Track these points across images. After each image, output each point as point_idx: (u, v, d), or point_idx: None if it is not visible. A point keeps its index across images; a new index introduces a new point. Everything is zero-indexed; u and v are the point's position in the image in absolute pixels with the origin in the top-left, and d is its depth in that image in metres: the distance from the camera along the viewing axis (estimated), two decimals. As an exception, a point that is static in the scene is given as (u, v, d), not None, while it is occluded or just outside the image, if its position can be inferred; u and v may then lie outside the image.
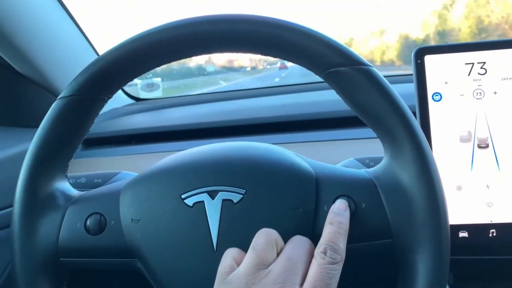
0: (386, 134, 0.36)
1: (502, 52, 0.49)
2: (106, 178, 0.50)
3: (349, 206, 0.35)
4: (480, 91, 0.49)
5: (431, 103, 0.49)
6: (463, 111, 0.49)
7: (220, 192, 0.36)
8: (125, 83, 0.40)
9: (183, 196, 0.37)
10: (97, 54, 0.81)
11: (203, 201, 0.36)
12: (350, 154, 0.62)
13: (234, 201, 0.36)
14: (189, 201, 0.36)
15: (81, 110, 0.39)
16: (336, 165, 0.49)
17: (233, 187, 0.36)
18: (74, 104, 0.38)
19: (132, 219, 0.37)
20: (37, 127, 0.74)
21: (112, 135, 0.76)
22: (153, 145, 0.73)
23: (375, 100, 0.35)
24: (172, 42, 0.37)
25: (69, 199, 0.40)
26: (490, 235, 0.48)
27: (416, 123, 0.35)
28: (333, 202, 0.36)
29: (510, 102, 0.48)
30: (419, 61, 0.50)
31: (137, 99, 0.95)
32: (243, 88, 0.94)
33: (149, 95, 0.97)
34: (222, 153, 0.39)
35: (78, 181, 0.50)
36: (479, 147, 0.48)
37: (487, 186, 0.48)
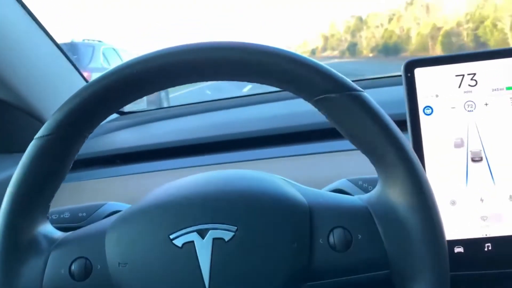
0: (379, 161, 0.35)
1: (492, 63, 0.48)
2: (91, 211, 0.48)
3: (345, 237, 0.34)
4: (471, 103, 0.48)
5: (422, 117, 0.48)
6: (455, 124, 0.48)
7: (210, 231, 0.35)
8: (106, 116, 0.39)
9: (171, 237, 0.35)
10: (81, 75, 0.79)
11: (192, 241, 0.35)
12: (338, 168, 0.61)
13: (226, 239, 0.34)
14: (178, 242, 0.35)
15: (60, 149, 0.37)
16: (328, 188, 0.48)
17: (224, 224, 0.35)
18: (53, 143, 0.36)
19: (119, 262, 0.35)
20: (20, 151, 0.71)
21: (95, 156, 0.74)
22: (139, 165, 0.71)
23: (367, 126, 0.34)
24: (155, 71, 0.35)
25: (52, 242, 0.38)
26: (486, 249, 0.47)
27: (410, 149, 0.34)
28: (329, 234, 0.34)
29: (502, 113, 0.48)
30: (409, 74, 0.49)
31: (121, 113, 0.93)
32: (229, 96, 0.92)
33: (134, 107, 0.94)
34: (210, 187, 0.38)
35: (62, 216, 0.48)
36: (473, 160, 0.47)
37: (481, 200, 0.47)
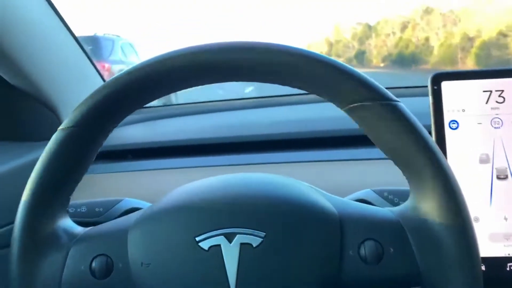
0: (414, 175, 0.34)
1: (521, 80, 0.48)
2: (108, 207, 0.47)
3: (376, 250, 0.33)
4: (498, 120, 0.47)
5: (447, 131, 0.48)
6: (481, 140, 0.47)
7: (238, 235, 0.34)
8: (131, 111, 0.38)
9: (197, 239, 0.34)
10: (94, 66, 0.78)
11: (219, 245, 0.34)
12: (360, 177, 0.60)
13: (254, 245, 0.34)
14: (204, 244, 0.34)
15: (84, 142, 0.36)
16: (351, 197, 0.47)
17: (252, 230, 0.34)
18: (77, 135, 0.36)
19: (142, 262, 0.34)
20: (32, 140, 0.69)
21: (107, 149, 0.73)
22: (152, 161, 0.70)
23: (403, 138, 0.33)
24: (188, 69, 0.34)
25: (72, 237, 0.37)
26: (508, 268, 0.46)
27: (447, 165, 0.33)
28: (359, 246, 0.34)
29: (529, 132, 0.47)
30: (435, 87, 0.48)
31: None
32: (245, 97, 0.91)
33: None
34: (239, 190, 0.37)
35: (78, 210, 0.47)
36: (498, 178, 0.47)
37: (505, 218, 0.47)
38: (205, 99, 0.90)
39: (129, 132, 0.77)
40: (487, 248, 0.46)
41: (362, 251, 0.33)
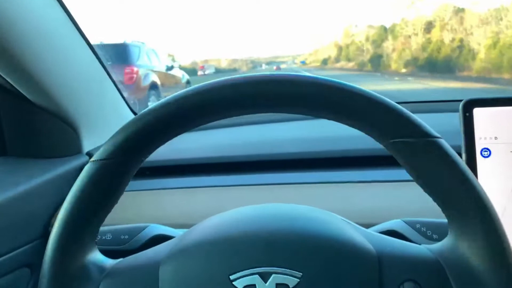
0: (455, 214, 0.33)
1: (555, 108, 0.46)
2: (133, 234, 0.46)
3: None
4: (532, 148, 0.46)
5: (479, 159, 0.47)
6: (514, 169, 0.46)
7: (273, 275, 0.33)
8: (165, 142, 0.37)
9: (231, 277, 0.33)
10: (112, 80, 0.77)
11: (254, 285, 0.33)
12: (382, 200, 0.59)
13: (290, 286, 0.33)
14: (239, 284, 0.33)
15: (116, 174, 0.35)
16: (381, 228, 0.46)
17: (289, 269, 0.33)
18: (110, 167, 0.35)
19: None
20: (50, 157, 0.68)
21: None
22: (171, 180, 0.70)
23: (444, 176, 0.33)
24: (224, 101, 0.34)
25: (102, 271, 0.36)
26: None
27: (491, 206, 0.32)
28: (398, 287, 0.33)
29: None
30: (467, 114, 0.47)
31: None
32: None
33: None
34: (274, 224, 0.36)
35: (103, 238, 0.46)
36: (531, 208, 0.46)
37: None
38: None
39: None
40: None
41: None
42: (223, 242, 0.35)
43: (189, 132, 0.81)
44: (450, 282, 0.32)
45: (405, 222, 0.44)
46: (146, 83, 5.20)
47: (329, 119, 0.35)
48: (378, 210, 0.52)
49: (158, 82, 5.49)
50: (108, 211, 0.37)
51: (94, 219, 0.36)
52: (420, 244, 0.36)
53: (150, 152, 0.37)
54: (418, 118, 0.34)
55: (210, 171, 0.69)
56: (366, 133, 0.35)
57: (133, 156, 0.36)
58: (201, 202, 0.63)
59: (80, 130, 0.68)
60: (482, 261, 0.32)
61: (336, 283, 0.33)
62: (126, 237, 0.46)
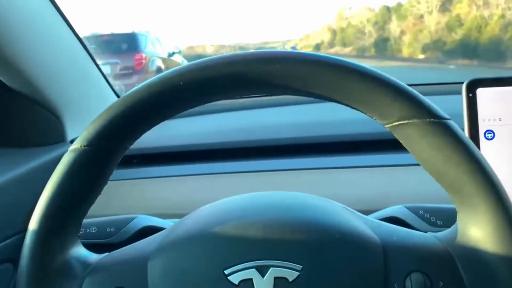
0: (464, 198, 0.31)
1: (562, 88, 0.44)
2: (120, 226, 0.44)
3: (424, 284, 0.30)
4: (537, 130, 0.44)
5: (482, 141, 0.45)
6: (518, 152, 0.44)
7: (271, 268, 0.31)
8: (152, 126, 0.35)
9: (226, 272, 0.31)
10: (97, 66, 0.73)
11: (251, 279, 0.31)
12: (386, 185, 0.57)
13: (289, 280, 0.30)
14: (234, 278, 0.31)
15: (100, 162, 0.33)
16: (382, 214, 0.44)
17: (288, 262, 0.31)
18: (92, 155, 0.32)
19: None
20: (32, 145, 0.65)
21: None
22: (159, 168, 0.67)
23: (453, 160, 0.30)
24: (213, 81, 0.31)
25: (86, 267, 0.33)
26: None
27: (503, 191, 0.30)
28: (405, 279, 0.31)
29: None
30: (470, 94, 0.45)
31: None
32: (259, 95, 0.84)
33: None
34: (272, 214, 0.33)
35: (88, 231, 0.43)
36: (536, 192, 0.44)
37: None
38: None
39: None
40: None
41: (408, 285, 0.31)
42: (217, 234, 0.33)
43: (180, 118, 0.79)
44: (460, 272, 0.31)
45: (407, 208, 0.42)
46: (153, 68, 5.83)
47: (326, 100, 0.32)
48: (378, 196, 0.50)
49: (163, 67, 6.02)
50: (91, 202, 0.34)
51: (76, 211, 0.33)
52: (425, 232, 0.34)
53: (135, 138, 0.34)
54: (424, 97, 0.31)
55: (201, 158, 0.66)
56: (368, 115, 0.32)
57: (116, 142, 0.33)
58: (192, 191, 0.60)
59: (64, 117, 0.65)
60: (494, 249, 0.30)
61: (338, 275, 0.31)
62: (113, 229, 0.43)
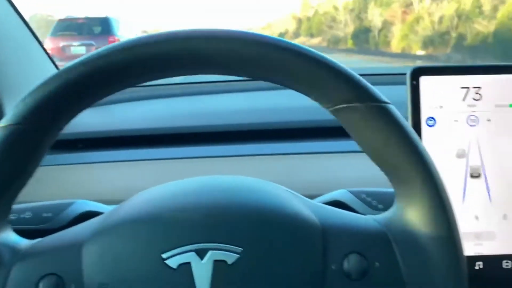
0: (401, 182, 0.32)
1: (498, 78, 0.47)
2: (58, 211, 0.42)
3: (361, 264, 0.31)
4: (474, 117, 0.46)
5: (424, 128, 0.46)
6: (457, 138, 0.46)
7: (210, 251, 0.30)
8: (89, 105, 0.33)
9: (164, 256, 0.30)
10: (38, 40, 0.69)
11: (189, 263, 0.30)
12: (334, 172, 0.58)
13: (229, 262, 0.30)
14: (172, 262, 0.30)
15: (30, 142, 0.31)
16: (326, 198, 0.45)
17: (227, 245, 0.30)
18: (22, 134, 0.30)
19: (99, 282, 0.30)
20: None
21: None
22: (105, 153, 0.64)
23: (391, 144, 0.31)
24: (153, 59, 0.30)
25: (15, 253, 0.31)
26: (477, 267, 0.46)
27: (438, 176, 0.31)
28: (343, 260, 0.31)
29: (503, 131, 0.46)
30: (414, 82, 0.46)
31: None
32: (212, 80, 0.82)
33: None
34: (213, 197, 0.33)
35: (22, 216, 0.41)
36: (472, 176, 0.46)
37: (476, 217, 0.46)
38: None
39: (79, 118, 0.70)
40: (459, 247, 0.46)
41: (346, 265, 0.31)
42: (155, 218, 0.32)
43: (129, 102, 0.76)
44: (395, 252, 0.31)
45: (351, 192, 0.43)
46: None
47: (270, 81, 0.32)
48: (325, 181, 0.50)
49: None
50: (21, 186, 0.32)
51: (4, 195, 0.31)
52: (365, 215, 0.35)
53: (71, 117, 0.32)
54: (366, 82, 0.31)
55: (148, 143, 0.64)
56: (311, 98, 0.32)
57: (49, 121, 0.31)
58: (138, 176, 0.58)
59: (1, 94, 0.60)
60: (427, 230, 0.31)
61: (278, 256, 0.31)
62: (50, 214, 0.41)
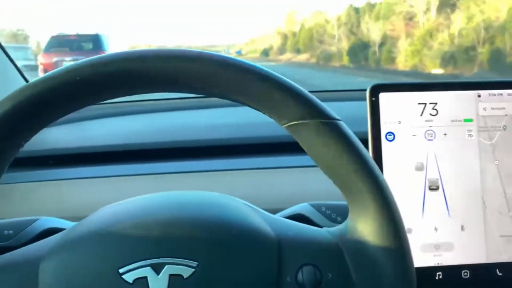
0: (353, 196, 0.33)
1: (452, 94, 0.49)
2: (20, 228, 0.41)
3: (315, 276, 0.32)
4: (432, 132, 0.48)
5: (384, 142, 0.48)
6: (415, 152, 0.48)
7: (166, 266, 0.31)
8: (49, 122, 0.33)
9: (121, 271, 0.31)
10: (4, 51, 0.69)
11: (145, 277, 0.30)
12: (296, 186, 0.59)
13: (184, 276, 0.31)
14: (129, 277, 0.30)
15: None
16: (288, 212, 0.46)
17: (183, 259, 0.31)
18: None
19: None
20: None
21: (23, 155, 0.65)
22: (76, 169, 0.64)
23: (342, 159, 0.32)
24: (116, 77, 0.31)
25: None
26: (437, 277, 0.47)
27: (387, 189, 0.33)
28: (297, 272, 0.32)
29: (458, 145, 0.48)
30: (373, 98, 0.48)
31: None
32: (179, 96, 0.85)
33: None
34: (167, 213, 0.34)
35: None
36: (430, 189, 0.48)
37: (435, 229, 0.48)
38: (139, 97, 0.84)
39: (50, 134, 0.70)
40: (418, 258, 0.47)
41: (300, 277, 0.32)
42: (112, 234, 0.32)
43: (101, 119, 0.76)
44: (347, 264, 0.32)
45: (312, 205, 0.44)
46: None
47: (227, 99, 0.33)
48: (288, 195, 0.51)
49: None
50: None
51: None
52: (326, 227, 0.36)
53: (30, 135, 0.33)
54: (317, 99, 0.33)
55: (118, 159, 0.65)
56: (265, 114, 0.34)
57: (7, 138, 0.31)
58: (105, 192, 0.58)
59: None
60: (377, 242, 0.32)
61: (233, 269, 0.31)
62: (11, 232, 0.41)
